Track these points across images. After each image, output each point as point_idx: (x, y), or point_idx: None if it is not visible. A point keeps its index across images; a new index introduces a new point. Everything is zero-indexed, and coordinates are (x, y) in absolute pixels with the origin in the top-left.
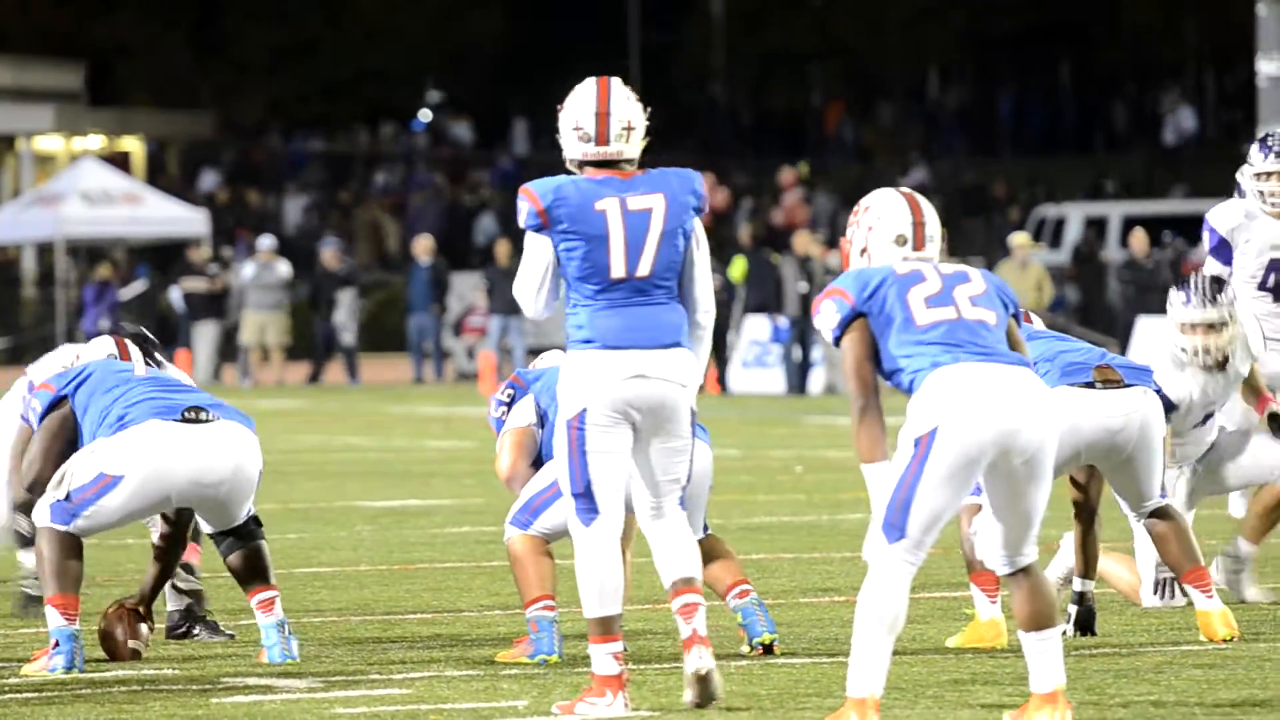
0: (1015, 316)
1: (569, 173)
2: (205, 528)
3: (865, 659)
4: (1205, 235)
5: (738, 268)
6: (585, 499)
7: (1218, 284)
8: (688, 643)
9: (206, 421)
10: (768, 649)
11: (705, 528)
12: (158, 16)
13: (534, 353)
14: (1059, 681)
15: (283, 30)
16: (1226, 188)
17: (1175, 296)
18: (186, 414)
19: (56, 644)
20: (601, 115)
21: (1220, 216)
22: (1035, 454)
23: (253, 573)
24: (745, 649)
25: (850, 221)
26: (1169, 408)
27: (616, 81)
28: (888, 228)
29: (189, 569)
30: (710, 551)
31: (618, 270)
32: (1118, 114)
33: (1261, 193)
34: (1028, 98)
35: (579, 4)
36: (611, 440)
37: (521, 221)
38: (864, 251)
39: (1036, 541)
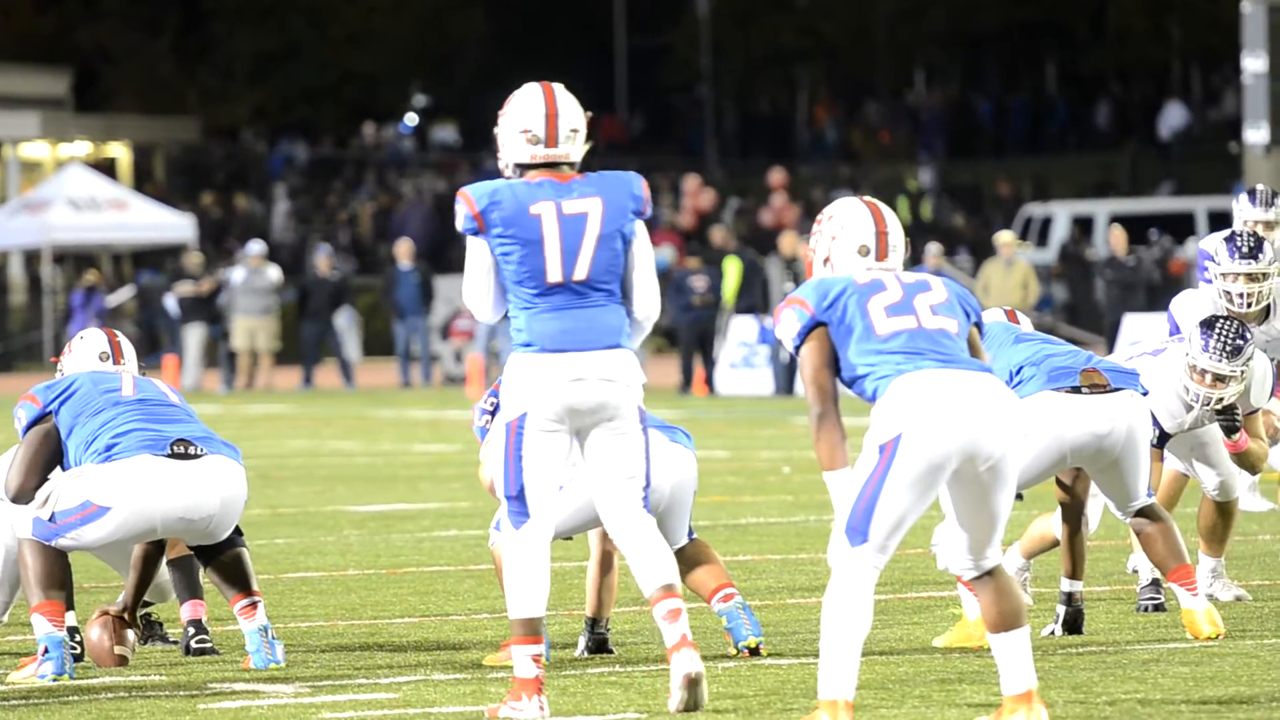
0: (978, 325)
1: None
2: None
3: (833, 662)
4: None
5: (733, 271)
6: (518, 502)
7: (1241, 335)
8: (676, 646)
9: (195, 456)
10: (754, 651)
11: (691, 532)
12: (142, 22)
13: None
14: (1031, 683)
15: (267, 35)
16: (1212, 185)
17: (1195, 337)
18: (175, 448)
19: (45, 650)
20: (551, 117)
21: (1189, 315)
22: (999, 460)
23: (234, 580)
24: (731, 652)
25: (814, 230)
26: (1161, 439)
27: (559, 86)
28: (851, 238)
29: (200, 626)
30: (695, 556)
31: (554, 274)
32: (1104, 112)
33: (1228, 293)
34: (1014, 97)
35: (564, 5)
36: (548, 447)
37: (459, 225)
38: (827, 260)
39: (1001, 544)
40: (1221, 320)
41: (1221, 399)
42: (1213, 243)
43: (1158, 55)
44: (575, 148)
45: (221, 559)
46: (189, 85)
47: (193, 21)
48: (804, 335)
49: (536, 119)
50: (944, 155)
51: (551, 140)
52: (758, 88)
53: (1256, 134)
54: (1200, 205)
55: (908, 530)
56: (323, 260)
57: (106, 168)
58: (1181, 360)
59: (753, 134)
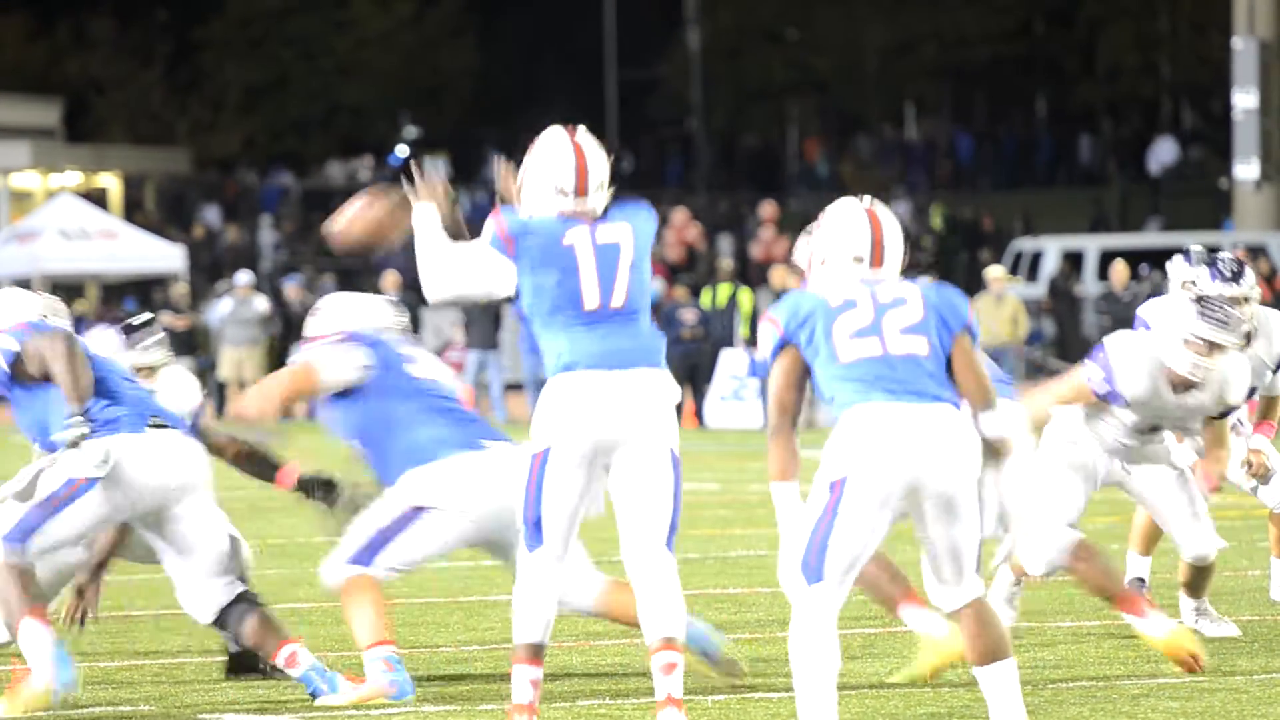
0: (969, 331)
1: None
2: (203, 618)
3: (810, 699)
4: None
5: (747, 301)
6: (534, 529)
7: (1241, 266)
8: (662, 704)
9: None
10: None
11: None
12: (132, 53)
13: (512, 388)
14: (1020, 717)
15: (257, 66)
16: (1202, 220)
17: (1201, 278)
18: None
19: (50, 659)
20: (581, 171)
21: (1129, 382)
22: (948, 495)
23: (267, 638)
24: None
25: (813, 230)
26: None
27: (583, 131)
28: (847, 244)
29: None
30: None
31: (591, 301)
32: (1094, 147)
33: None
34: (1004, 131)
35: (555, 39)
36: (571, 480)
37: (486, 240)
38: (823, 262)
39: (978, 575)
40: (1219, 254)
41: (1209, 369)
42: (1149, 310)
43: (1148, 91)
44: (601, 199)
45: (252, 617)
46: (179, 116)
47: (183, 53)
48: (775, 354)
49: (567, 175)
50: (928, 189)
51: (581, 192)
52: (748, 121)
53: (1246, 169)
54: (1190, 241)
55: (865, 562)
56: (292, 289)
57: (97, 198)
58: (1171, 338)
59: (742, 167)
